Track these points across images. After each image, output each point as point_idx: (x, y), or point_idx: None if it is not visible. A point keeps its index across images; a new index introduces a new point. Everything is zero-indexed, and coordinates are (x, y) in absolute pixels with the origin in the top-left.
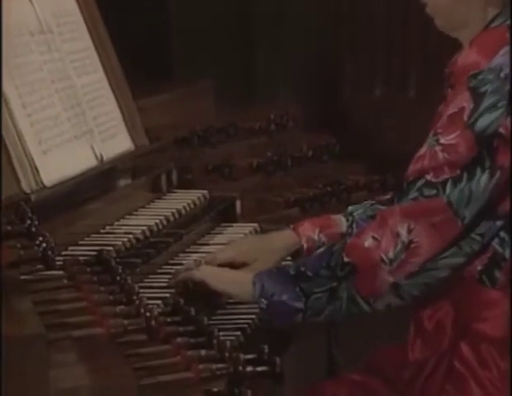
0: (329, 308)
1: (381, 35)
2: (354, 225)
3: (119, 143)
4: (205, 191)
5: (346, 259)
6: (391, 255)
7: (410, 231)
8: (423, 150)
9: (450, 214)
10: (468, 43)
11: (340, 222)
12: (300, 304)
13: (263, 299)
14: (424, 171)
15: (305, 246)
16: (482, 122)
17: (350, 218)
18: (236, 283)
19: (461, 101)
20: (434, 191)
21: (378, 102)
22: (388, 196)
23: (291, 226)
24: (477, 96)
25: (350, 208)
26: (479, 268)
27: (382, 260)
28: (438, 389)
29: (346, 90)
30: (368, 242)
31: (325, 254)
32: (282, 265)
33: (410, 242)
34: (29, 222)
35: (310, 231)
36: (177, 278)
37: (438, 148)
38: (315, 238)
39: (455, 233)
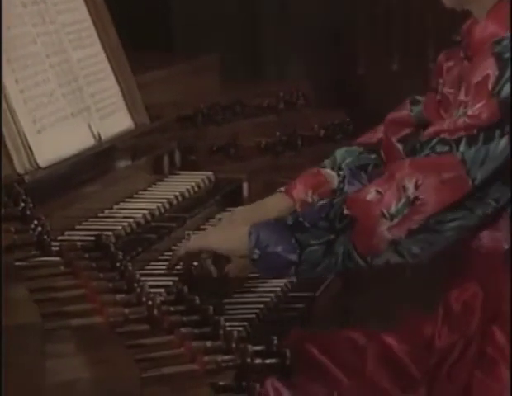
0: (324, 261)
1: (398, 4)
2: (346, 181)
3: (118, 121)
4: (209, 173)
5: (346, 211)
6: (392, 210)
7: (417, 186)
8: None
9: (462, 172)
10: (483, 14)
11: (331, 178)
12: (294, 257)
13: (256, 250)
14: (440, 131)
15: (299, 210)
16: (507, 90)
17: (341, 173)
18: (231, 238)
19: (484, 68)
20: (447, 148)
21: (395, 77)
22: (378, 136)
23: (283, 189)
24: (502, 62)
25: (337, 157)
26: (506, 247)
27: (383, 214)
28: (466, 375)
29: (360, 64)
30: (371, 196)
31: (326, 206)
32: (282, 216)
33: (416, 198)
34: (23, 205)
35: (302, 193)
36: (172, 261)
37: (462, 119)
38: (309, 200)
39: (464, 193)
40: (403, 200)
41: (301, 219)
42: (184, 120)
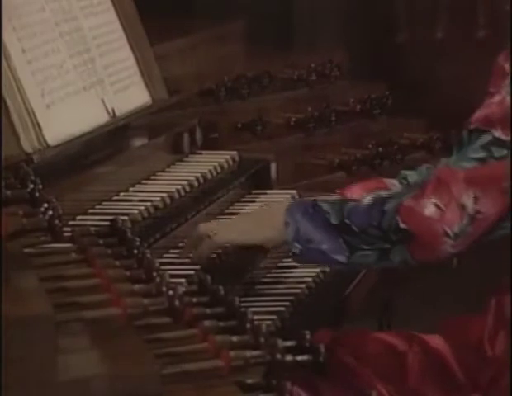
0: (377, 264)
1: None
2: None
3: (134, 96)
4: (234, 153)
5: (402, 225)
6: (456, 229)
7: (476, 201)
8: (496, 98)
9: None
10: None
11: (394, 187)
12: (342, 258)
13: (296, 244)
14: (490, 122)
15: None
16: None
17: (404, 182)
18: (263, 226)
19: None
20: (505, 152)
21: (439, 46)
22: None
23: (337, 191)
24: None
25: (404, 172)
26: None
27: (446, 233)
28: None
29: (400, 32)
30: (429, 211)
31: (374, 211)
32: (317, 204)
33: (477, 212)
34: (31, 186)
35: (357, 196)
36: (196, 255)
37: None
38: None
39: None
40: (466, 219)
41: (347, 221)
42: (206, 94)
